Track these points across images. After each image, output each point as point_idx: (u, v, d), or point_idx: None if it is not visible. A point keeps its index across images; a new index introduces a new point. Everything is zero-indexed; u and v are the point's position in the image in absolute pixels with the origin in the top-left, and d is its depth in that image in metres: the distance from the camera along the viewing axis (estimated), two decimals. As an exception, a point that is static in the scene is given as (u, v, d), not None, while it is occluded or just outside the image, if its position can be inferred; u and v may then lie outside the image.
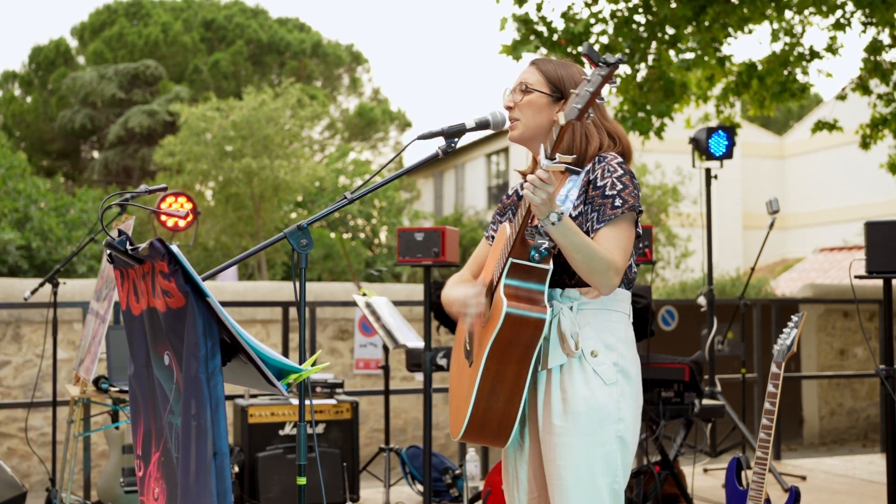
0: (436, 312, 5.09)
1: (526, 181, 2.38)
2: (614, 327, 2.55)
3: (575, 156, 2.49)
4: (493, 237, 2.79)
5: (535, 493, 2.63)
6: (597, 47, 8.36)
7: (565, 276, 2.56)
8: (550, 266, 2.50)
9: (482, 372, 2.47)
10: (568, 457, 2.47)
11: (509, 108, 2.65)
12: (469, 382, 2.57)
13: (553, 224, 2.37)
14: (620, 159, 2.59)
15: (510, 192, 2.83)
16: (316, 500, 5.20)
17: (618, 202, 2.51)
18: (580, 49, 2.25)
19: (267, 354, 2.18)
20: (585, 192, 2.56)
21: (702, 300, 6.32)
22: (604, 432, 2.48)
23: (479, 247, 2.85)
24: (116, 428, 5.04)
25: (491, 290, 2.60)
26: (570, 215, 2.55)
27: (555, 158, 2.34)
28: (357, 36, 66.24)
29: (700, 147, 6.30)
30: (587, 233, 2.53)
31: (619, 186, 2.52)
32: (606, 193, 2.52)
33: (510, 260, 2.47)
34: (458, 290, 2.63)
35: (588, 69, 2.33)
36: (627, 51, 8.28)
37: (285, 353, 6.44)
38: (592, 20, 8.26)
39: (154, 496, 2.37)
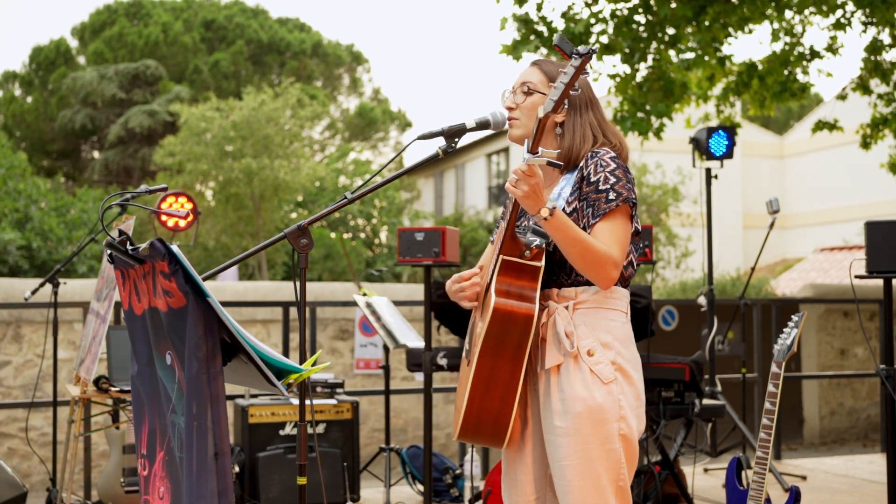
0: (436, 312, 5.09)
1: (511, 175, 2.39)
2: (610, 325, 2.54)
3: (558, 151, 2.51)
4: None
5: (531, 497, 2.61)
6: (597, 47, 8.35)
7: (563, 275, 2.56)
8: (542, 263, 2.49)
9: (475, 370, 2.48)
10: (571, 456, 2.48)
11: (510, 109, 2.65)
12: (466, 381, 2.58)
13: (545, 219, 2.37)
14: (613, 154, 2.57)
15: None
16: (316, 499, 5.21)
17: (612, 195, 2.50)
18: (554, 40, 2.29)
19: (267, 354, 2.18)
20: (579, 188, 2.56)
21: (702, 300, 6.32)
22: (605, 431, 2.48)
23: (487, 249, 2.84)
24: (117, 428, 5.04)
25: (487, 289, 2.61)
26: (565, 212, 2.55)
27: (537, 153, 2.34)
28: (357, 36, 66.30)
29: (700, 147, 6.30)
30: (584, 229, 2.52)
31: (613, 180, 2.52)
32: (600, 188, 2.52)
33: (500, 257, 2.48)
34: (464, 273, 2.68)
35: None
36: (627, 51, 8.28)
37: (286, 352, 6.44)
38: (592, 20, 8.26)
39: (159, 495, 2.37)
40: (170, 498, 2.31)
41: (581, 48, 2.26)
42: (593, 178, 2.53)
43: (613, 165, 2.53)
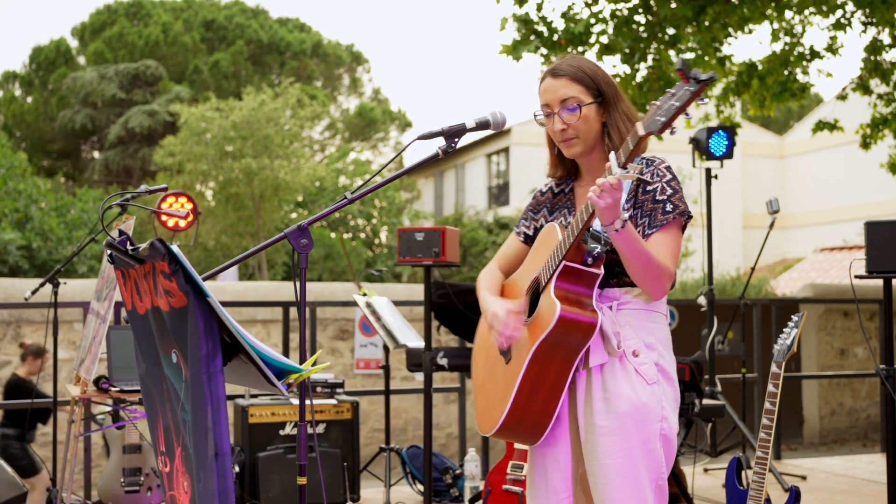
0: (436, 312, 5.09)
1: (595, 185, 2.31)
2: (654, 328, 2.55)
3: (642, 165, 2.48)
4: (525, 234, 2.76)
5: (563, 495, 2.59)
6: (597, 47, 8.37)
7: (608, 276, 2.54)
8: (602, 271, 2.48)
9: (524, 373, 2.46)
10: (612, 455, 2.47)
11: (564, 130, 2.58)
12: (505, 380, 2.55)
13: (617, 231, 2.35)
14: (668, 163, 2.58)
15: (544, 188, 2.78)
16: (316, 499, 5.21)
17: (668, 207, 2.51)
18: (676, 64, 2.24)
19: (267, 354, 2.18)
20: (635, 195, 2.55)
21: (702, 300, 6.32)
22: (647, 431, 2.48)
23: (510, 242, 2.81)
24: (117, 428, 5.04)
25: (535, 292, 2.57)
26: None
27: (626, 168, 2.31)
28: (357, 36, 66.35)
29: (700, 147, 6.30)
30: None
31: (669, 191, 2.53)
32: (657, 198, 2.52)
33: (563, 263, 2.45)
34: (497, 305, 2.57)
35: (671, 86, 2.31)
36: (627, 51, 8.28)
37: (286, 352, 6.44)
38: (592, 20, 8.26)
39: (184, 489, 2.38)
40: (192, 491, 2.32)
41: (700, 73, 2.21)
42: (650, 188, 2.53)
43: (669, 176, 2.54)
